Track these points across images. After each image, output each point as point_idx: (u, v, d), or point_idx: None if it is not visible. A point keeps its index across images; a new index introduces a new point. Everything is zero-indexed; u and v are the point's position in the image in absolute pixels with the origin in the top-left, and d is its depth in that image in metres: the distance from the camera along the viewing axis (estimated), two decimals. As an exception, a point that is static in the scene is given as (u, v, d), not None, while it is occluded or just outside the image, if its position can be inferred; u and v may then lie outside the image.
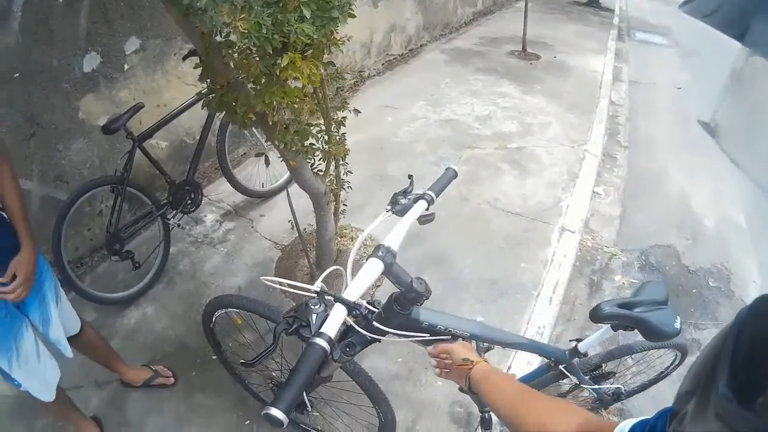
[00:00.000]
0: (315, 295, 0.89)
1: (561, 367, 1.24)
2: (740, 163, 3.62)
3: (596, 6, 8.95)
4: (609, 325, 1.14)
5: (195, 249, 2.43)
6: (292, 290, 0.92)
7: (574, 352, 1.22)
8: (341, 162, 1.94)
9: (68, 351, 1.51)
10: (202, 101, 1.49)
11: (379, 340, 0.96)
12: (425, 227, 1.14)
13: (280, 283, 0.94)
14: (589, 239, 2.74)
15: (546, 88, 4.52)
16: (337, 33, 1.28)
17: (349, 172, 2.02)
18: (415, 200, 1.07)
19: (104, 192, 2.14)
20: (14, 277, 1.21)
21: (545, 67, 5.17)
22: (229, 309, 1.35)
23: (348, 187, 2.07)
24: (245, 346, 1.73)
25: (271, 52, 1.13)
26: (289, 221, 2.04)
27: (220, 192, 2.80)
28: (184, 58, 1.92)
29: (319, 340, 0.77)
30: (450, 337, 0.99)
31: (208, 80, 1.42)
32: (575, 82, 4.80)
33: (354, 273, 0.92)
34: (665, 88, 5.54)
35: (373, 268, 0.91)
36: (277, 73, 1.17)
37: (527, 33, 5.33)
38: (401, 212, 1.06)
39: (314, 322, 0.84)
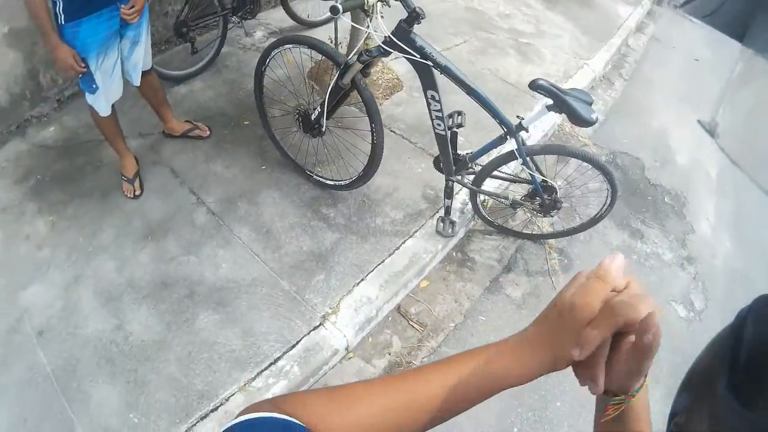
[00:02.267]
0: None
1: (508, 137, 1.68)
2: (740, 163, 3.67)
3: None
4: (545, 105, 1.59)
5: (242, 52, 2.87)
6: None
7: (519, 126, 1.64)
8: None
9: (137, 79, 1.94)
10: None
11: (388, 53, 1.50)
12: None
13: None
14: (567, 126, 3.14)
15: (568, 11, 4.75)
16: None
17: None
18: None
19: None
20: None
21: (573, -4, 5.30)
22: (289, 45, 1.80)
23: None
24: (283, 86, 2.15)
25: None
26: (329, 38, 2.44)
27: (272, 18, 3.19)
28: None
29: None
30: (432, 65, 1.52)
31: None
32: (597, 17, 5.00)
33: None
34: (683, 55, 5.75)
35: None
36: None
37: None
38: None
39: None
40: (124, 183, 2.04)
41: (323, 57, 1.82)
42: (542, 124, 2.87)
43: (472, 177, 1.93)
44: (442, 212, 2.03)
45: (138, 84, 1.97)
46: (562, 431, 1.77)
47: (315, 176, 2.08)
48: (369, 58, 1.58)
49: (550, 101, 1.57)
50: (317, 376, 1.72)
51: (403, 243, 1.96)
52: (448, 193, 1.94)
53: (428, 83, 1.62)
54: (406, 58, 1.54)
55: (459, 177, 1.90)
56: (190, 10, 2.46)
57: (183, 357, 1.61)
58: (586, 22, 4.68)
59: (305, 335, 1.69)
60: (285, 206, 2.05)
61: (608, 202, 1.93)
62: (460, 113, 1.75)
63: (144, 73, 1.97)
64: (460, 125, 1.74)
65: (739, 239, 2.91)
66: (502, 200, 1.99)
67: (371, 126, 1.76)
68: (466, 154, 1.85)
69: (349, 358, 1.81)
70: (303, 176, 2.13)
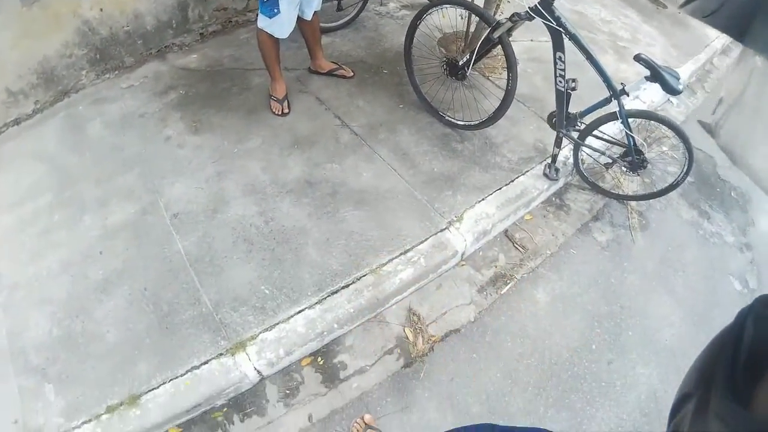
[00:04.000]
0: None
1: (613, 99, 2.04)
2: (740, 163, 3.84)
3: None
4: (645, 77, 1.97)
5: (379, 18, 3.34)
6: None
7: (622, 91, 1.99)
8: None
9: (311, 15, 2.20)
10: None
11: (533, 18, 1.94)
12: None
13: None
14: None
15: (661, 26, 5.03)
16: None
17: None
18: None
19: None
20: None
21: (668, 15, 5.52)
22: (446, 5, 2.23)
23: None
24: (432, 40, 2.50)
25: None
26: (460, 16, 2.78)
27: None
28: None
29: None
30: (563, 32, 1.92)
31: None
32: (687, 35, 5.19)
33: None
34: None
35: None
36: None
37: (669, -17, 5.59)
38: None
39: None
40: (273, 102, 2.32)
41: (468, 20, 2.18)
42: (644, 97, 3.14)
43: (577, 134, 2.30)
44: (549, 160, 2.40)
45: (310, 19, 2.24)
46: (630, 356, 2.09)
47: (447, 117, 2.51)
48: (518, 19, 2.01)
49: (648, 72, 1.94)
50: (438, 272, 2.07)
51: (517, 178, 2.35)
52: (558, 143, 2.33)
53: (558, 46, 2.02)
54: (545, 24, 1.95)
55: (568, 131, 2.27)
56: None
57: (321, 242, 1.88)
58: (677, 38, 4.98)
59: (433, 234, 2.07)
60: (420, 137, 2.48)
61: (685, 169, 2.18)
62: (574, 80, 2.10)
63: (314, 13, 2.29)
64: (573, 89, 2.09)
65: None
66: (601, 154, 2.33)
67: (508, 74, 2.16)
68: (576, 112, 2.21)
69: (462, 266, 2.19)
70: (436, 117, 2.55)
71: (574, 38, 1.97)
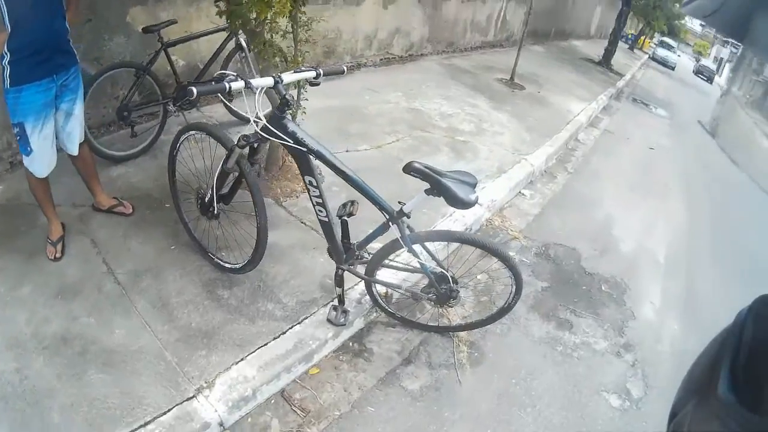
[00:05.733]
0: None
1: (391, 224, 1.67)
2: (740, 163, 3.93)
3: (607, 67, 9.59)
4: (424, 190, 1.55)
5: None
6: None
7: (401, 212, 1.62)
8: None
9: (75, 149, 2.11)
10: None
11: (267, 140, 1.62)
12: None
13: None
14: (497, 220, 3.19)
15: (515, 111, 5.13)
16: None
17: (306, 99, 2.65)
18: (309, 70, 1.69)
19: (128, 75, 2.75)
20: None
21: (525, 96, 5.81)
22: (193, 132, 1.93)
23: (303, 110, 2.70)
24: (191, 174, 2.24)
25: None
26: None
27: (215, 112, 3.48)
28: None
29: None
30: (306, 150, 1.60)
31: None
32: (546, 114, 5.36)
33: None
34: (639, 145, 6.03)
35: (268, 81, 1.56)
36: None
37: (524, 69, 6.03)
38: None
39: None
40: (49, 245, 2.18)
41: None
42: (464, 218, 2.86)
43: (364, 267, 1.90)
44: (335, 302, 1.99)
45: (76, 153, 2.15)
46: None
47: (216, 259, 2.10)
48: (246, 143, 1.68)
49: (427, 185, 1.55)
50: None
51: (290, 328, 1.91)
52: (338, 281, 1.90)
53: (305, 169, 1.68)
54: (282, 144, 1.62)
55: (351, 266, 1.87)
56: (132, 96, 2.67)
57: (66, 407, 1.67)
58: (534, 120, 4.98)
59: (177, 404, 1.66)
60: (185, 283, 2.06)
61: (514, 290, 1.85)
62: (353, 203, 1.73)
63: (81, 146, 2.16)
64: (351, 214, 1.72)
65: (690, 321, 2.78)
66: (398, 291, 1.94)
67: (255, 210, 1.82)
68: (355, 243, 1.83)
69: (226, 436, 1.66)
70: (206, 258, 2.16)
71: (320, 156, 1.63)
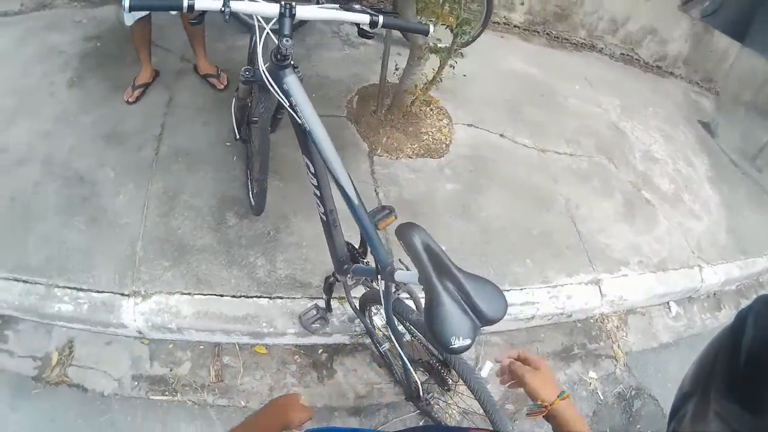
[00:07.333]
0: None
1: (379, 277, 1.10)
2: (740, 163, 3.39)
3: None
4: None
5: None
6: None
7: (390, 272, 1.06)
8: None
9: None
10: None
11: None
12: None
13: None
14: (613, 322, 2.26)
15: (733, 197, 3.38)
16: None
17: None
18: (362, 11, 1.13)
19: None
20: None
21: (755, 184, 4.02)
22: None
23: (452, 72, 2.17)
24: None
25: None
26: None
27: None
28: None
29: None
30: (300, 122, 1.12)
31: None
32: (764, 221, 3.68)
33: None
34: None
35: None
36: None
37: None
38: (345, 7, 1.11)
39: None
40: (129, 87, 2.23)
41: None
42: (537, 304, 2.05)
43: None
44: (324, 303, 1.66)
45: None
46: None
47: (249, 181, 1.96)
48: (245, 79, 1.36)
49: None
50: None
51: (256, 298, 1.72)
52: (327, 289, 1.58)
53: (303, 146, 1.20)
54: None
55: (348, 283, 1.50)
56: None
57: (42, 236, 1.73)
58: (746, 222, 3.33)
59: (110, 293, 1.66)
60: (205, 186, 2.01)
61: None
62: (388, 212, 1.25)
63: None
64: (376, 226, 1.21)
65: None
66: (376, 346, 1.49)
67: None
68: (366, 260, 1.43)
69: None
70: (245, 175, 2.01)
71: (310, 136, 1.11)
